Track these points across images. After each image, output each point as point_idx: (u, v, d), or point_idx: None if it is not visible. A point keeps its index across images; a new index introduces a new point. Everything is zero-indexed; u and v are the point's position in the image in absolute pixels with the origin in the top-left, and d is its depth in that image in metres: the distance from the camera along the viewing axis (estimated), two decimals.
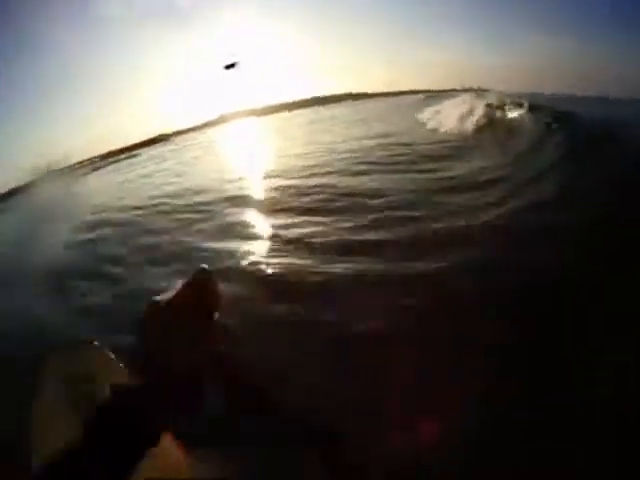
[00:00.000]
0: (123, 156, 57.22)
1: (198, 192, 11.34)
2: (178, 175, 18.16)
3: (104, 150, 71.59)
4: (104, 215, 11.86)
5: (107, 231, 9.68)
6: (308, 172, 11.08)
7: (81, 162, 65.71)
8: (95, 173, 43.05)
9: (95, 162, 66.75)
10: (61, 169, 58.61)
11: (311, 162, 12.85)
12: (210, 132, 67.50)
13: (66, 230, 10.69)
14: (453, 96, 25.61)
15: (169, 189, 13.63)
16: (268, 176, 11.74)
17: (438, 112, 18.66)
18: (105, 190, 20.11)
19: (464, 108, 15.40)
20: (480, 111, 13.56)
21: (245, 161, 18.46)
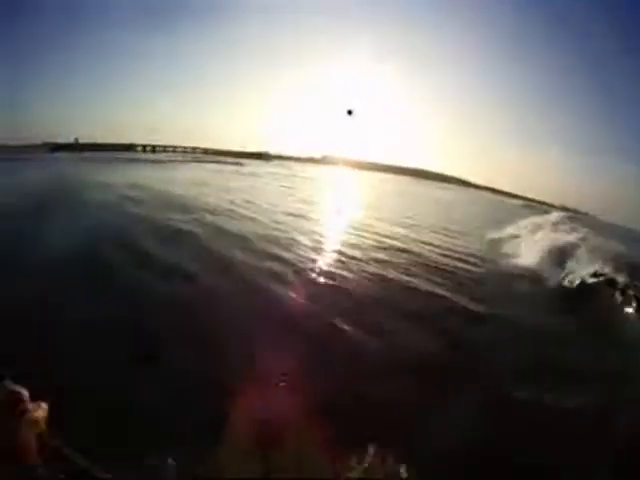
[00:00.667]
0: (229, 160, 60.61)
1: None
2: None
3: (187, 143, 74.49)
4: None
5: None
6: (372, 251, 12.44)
7: (164, 146, 68.85)
8: (195, 164, 46.01)
9: (187, 152, 70.66)
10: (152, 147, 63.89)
11: (384, 244, 14.03)
12: (310, 169, 69.77)
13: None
14: (546, 211, 26.77)
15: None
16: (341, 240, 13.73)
17: (516, 237, 17.83)
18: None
19: (547, 244, 14.75)
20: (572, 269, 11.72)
21: (328, 212, 21.04)
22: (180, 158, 57.52)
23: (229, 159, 62.65)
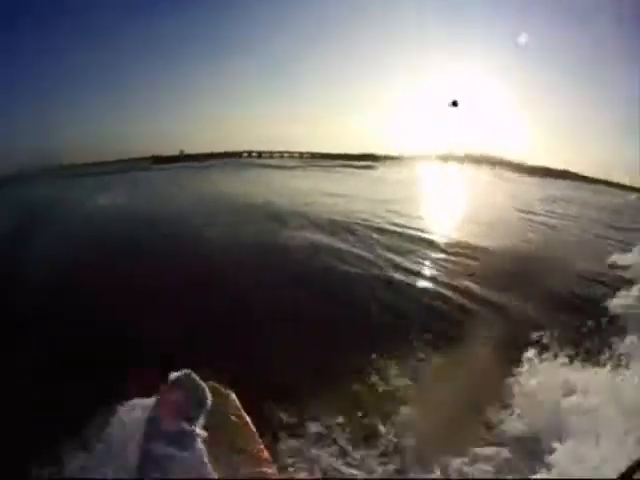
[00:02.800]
0: (359, 163, 55.29)
1: None
2: None
3: (292, 148, 69.82)
4: None
5: None
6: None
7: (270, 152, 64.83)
8: (321, 172, 41.05)
9: (294, 157, 65.94)
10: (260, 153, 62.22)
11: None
12: (419, 166, 63.21)
13: None
14: None
15: None
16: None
17: None
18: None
19: None
20: None
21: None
22: (292, 163, 53.89)
23: (344, 162, 57.10)
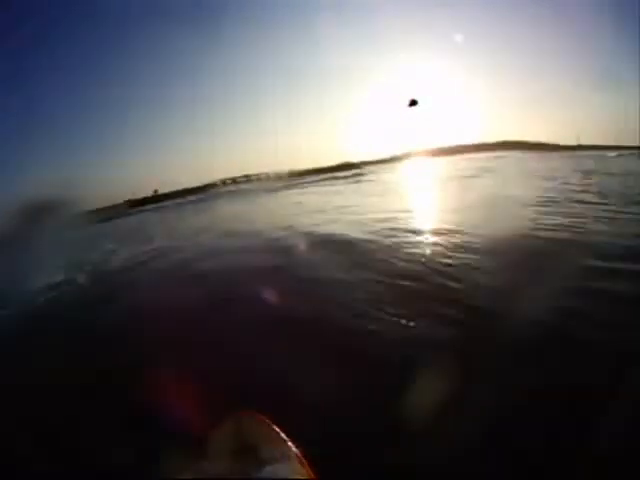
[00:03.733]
0: (346, 173, 52.56)
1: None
2: None
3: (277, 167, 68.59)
4: None
5: None
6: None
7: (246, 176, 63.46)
8: (315, 187, 37.92)
9: (270, 179, 63.92)
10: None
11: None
12: (398, 166, 62.41)
13: None
14: None
15: None
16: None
17: None
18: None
19: None
20: None
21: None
22: (276, 184, 51.60)
23: (328, 175, 55.67)
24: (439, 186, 22.06)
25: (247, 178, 62.02)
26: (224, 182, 60.19)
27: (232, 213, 22.67)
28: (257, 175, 64.07)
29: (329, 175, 54.78)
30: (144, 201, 53.31)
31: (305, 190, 33.84)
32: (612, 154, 37.55)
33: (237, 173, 64.18)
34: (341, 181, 39.27)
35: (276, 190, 39.08)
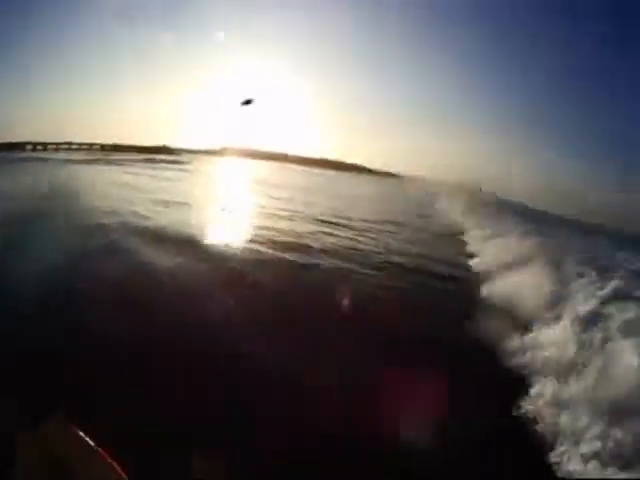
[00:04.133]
0: (165, 157, 55.67)
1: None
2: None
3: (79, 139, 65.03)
4: None
5: None
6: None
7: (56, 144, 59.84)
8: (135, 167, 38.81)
9: (82, 149, 61.77)
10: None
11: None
12: (216, 160, 66.74)
13: None
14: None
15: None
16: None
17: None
18: None
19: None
20: None
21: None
22: (90, 156, 50.69)
23: (147, 156, 56.77)
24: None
25: (57, 147, 57.82)
26: (35, 146, 54.89)
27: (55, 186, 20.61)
28: (68, 144, 60.91)
29: (148, 156, 55.64)
30: None
31: (127, 170, 35.49)
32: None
33: (47, 139, 58.90)
34: (161, 165, 42.36)
35: (92, 163, 39.47)
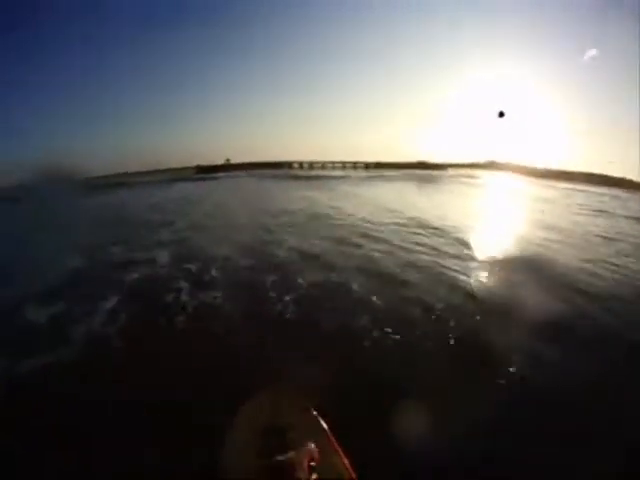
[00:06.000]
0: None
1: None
2: None
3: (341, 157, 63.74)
4: None
5: None
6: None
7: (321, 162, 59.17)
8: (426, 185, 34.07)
9: (346, 167, 60.39)
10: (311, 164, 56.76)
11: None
12: (480, 174, 57.67)
13: None
14: None
15: None
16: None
17: None
18: None
19: None
20: None
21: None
22: (363, 174, 48.47)
23: (423, 171, 52.21)
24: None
25: (322, 165, 58.13)
26: (301, 164, 56.75)
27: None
28: (332, 163, 60.51)
29: (409, 172, 50.72)
30: (214, 168, 51.00)
31: (393, 186, 30.81)
32: None
33: (310, 158, 59.83)
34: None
35: (363, 180, 36.42)
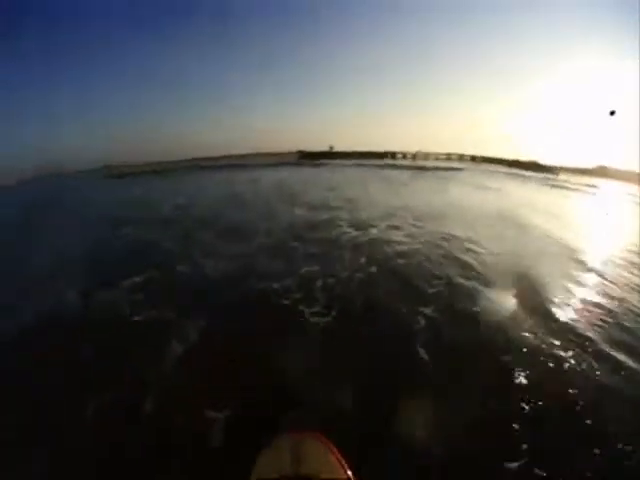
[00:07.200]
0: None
1: None
2: None
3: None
4: None
5: None
6: None
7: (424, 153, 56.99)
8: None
9: (451, 159, 58.74)
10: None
11: None
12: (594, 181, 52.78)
13: None
14: None
15: None
16: None
17: None
18: None
19: None
20: None
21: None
22: (462, 165, 47.54)
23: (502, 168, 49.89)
24: None
25: (413, 157, 56.32)
26: (404, 155, 55.52)
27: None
28: (443, 154, 58.63)
29: (522, 172, 48.01)
30: (318, 155, 50.92)
31: (522, 185, 28.78)
32: None
33: (410, 148, 58.23)
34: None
35: (488, 176, 34.67)
